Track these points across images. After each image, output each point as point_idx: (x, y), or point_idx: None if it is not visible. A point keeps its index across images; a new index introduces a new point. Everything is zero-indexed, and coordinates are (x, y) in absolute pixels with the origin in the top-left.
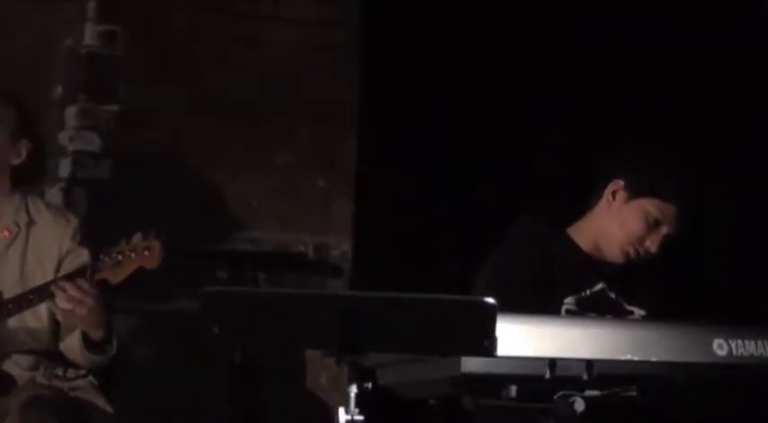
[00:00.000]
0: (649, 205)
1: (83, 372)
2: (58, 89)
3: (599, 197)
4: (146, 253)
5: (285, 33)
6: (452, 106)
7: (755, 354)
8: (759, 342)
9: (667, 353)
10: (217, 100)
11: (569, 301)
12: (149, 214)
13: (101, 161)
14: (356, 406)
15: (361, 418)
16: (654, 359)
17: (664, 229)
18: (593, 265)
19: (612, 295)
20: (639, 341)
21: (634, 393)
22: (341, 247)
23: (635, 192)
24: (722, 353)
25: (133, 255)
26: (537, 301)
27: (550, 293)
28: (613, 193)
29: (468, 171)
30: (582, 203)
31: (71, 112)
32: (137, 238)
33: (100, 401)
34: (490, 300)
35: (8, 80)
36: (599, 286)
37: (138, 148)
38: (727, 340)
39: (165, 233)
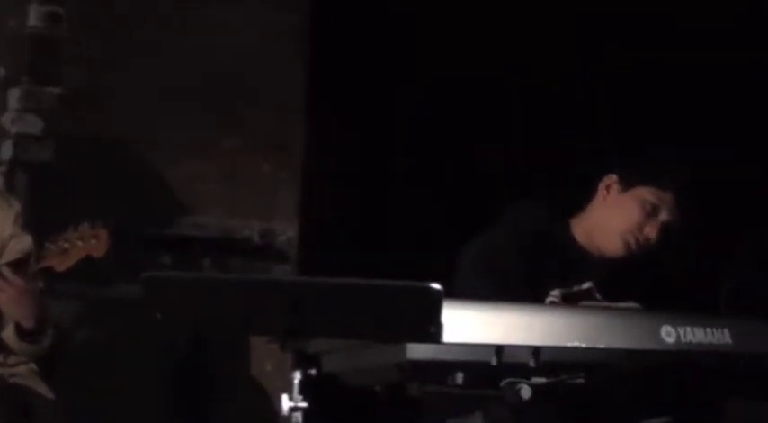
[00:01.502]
0: (646, 193)
1: (24, 358)
2: (1, 71)
3: (593, 194)
4: (93, 241)
5: (233, 16)
6: (404, 91)
7: (704, 341)
8: (707, 329)
9: (615, 340)
10: (162, 83)
11: (555, 294)
12: (92, 198)
13: (44, 144)
14: (300, 393)
15: (304, 404)
16: (602, 346)
17: (663, 216)
18: (585, 262)
19: (599, 297)
20: (587, 328)
21: (581, 380)
22: (287, 233)
23: (629, 183)
24: (670, 340)
25: (80, 243)
26: (528, 288)
27: (540, 282)
28: (607, 188)
29: (418, 157)
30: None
31: (14, 95)
32: (84, 226)
33: (41, 388)
34: (435, 285)
35: None
36: (587, 285)
37: (82, 132)
38: (675, 327)
39: (108, 218)
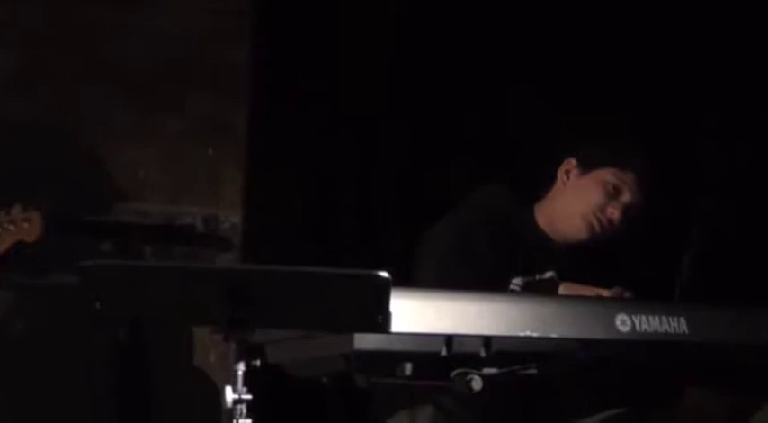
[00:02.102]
0: (606, 175)
1: None
2: None
3: (554, 180)
4: (25, 225)
5: None
6: (350, 72)
7: (659, 329)
8: (663, 317)
9: (568, 329)
10: (102, 66)
11: (517, 282)
12: (30, 183)
13: None
14: (244, 384)
15: (248, 396)
16: (554, 335)
17: (625, 197)
18: (548, 250)
19: (561, 286)
20: (540, 317)
21: (534, 371)
22: (231, 220)
23: (588, 166)
24: (625, 329)
25: (12, 227)
26: (494, 273)
27: (503, 269)
28: (567, 173)
29: (365, 139)
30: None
31: None
32: (16, 209)
33: None
34: (383, 273)
35: None
36: (549, 274)
37: (20, 116)
38: (630, 316)
39: (46, 204)
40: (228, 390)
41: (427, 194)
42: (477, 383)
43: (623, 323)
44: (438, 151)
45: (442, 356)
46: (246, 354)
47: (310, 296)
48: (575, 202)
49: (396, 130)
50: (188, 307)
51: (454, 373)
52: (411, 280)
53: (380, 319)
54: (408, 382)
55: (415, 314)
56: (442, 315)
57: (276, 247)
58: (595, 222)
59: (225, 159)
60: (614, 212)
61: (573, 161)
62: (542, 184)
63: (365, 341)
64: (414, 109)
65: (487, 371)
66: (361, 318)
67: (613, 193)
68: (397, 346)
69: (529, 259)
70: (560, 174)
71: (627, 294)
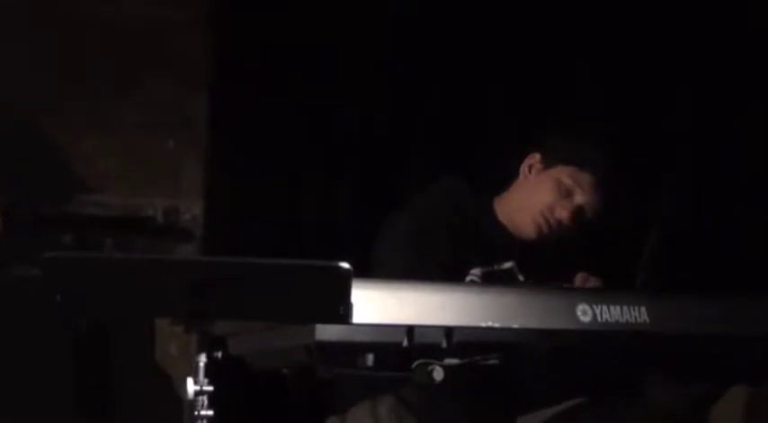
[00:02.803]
0: (562, 173)
1: None
2: None
3: (517, 174)
4: None
5: None
6: (313, 64)
7: (621, 319)
8: (625, 307)
9: (529, 319)
10: (60, 54)
11: (475, 273)
12: None
13: None
14: (206, 376)
15: (210, 388)
16: (515, 326)
17: (578, 199)
18: (507, 242)
19: (521, 277)
20: (501, 307)
21: (495, 361)
22: (192, 211)
23: (549, 162)
24: (586, 319)
25: None
26: (453, 263)
27: (462, 260)
28: (530, 167)
29: (328, 131)
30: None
31: None
32: None
33: None
34: (344, 264)
35: None
36: (508, 264)
37: None
38: (591, 305)
39: (3, 197)
40: (190, 381)
41: (389, 184)
42: (438, 374)
43: (584, 313)
44: (398, 141)
45: (404, 347)
46: (208, 345)
47: (272, 288)
48: (528, 199)
49: (358, 119)
50: (149, 299)
51: (415, 363)
52: (372, 270)
53: (342, 311)
54: (370, 374)
55: (377, 305)
56: (403, 306)
57: (237, 239)
58: (543, 222)
59: (185, 150)
60: (563, 214)
61: (537, 156)
62: (507, 176)
63: (327, 332)
64: (376, 98)
65: (449, 361)
66: (323, 309)
67: (565, 194)
68: (359, 338)
69: (488, 250)
70: (523, 168)
71: (593, 280)
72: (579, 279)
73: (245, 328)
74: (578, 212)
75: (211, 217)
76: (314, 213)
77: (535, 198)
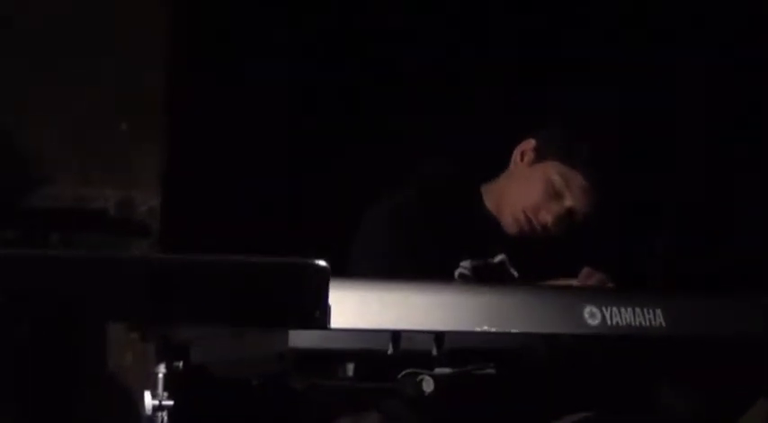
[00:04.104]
0: (553, 170)
1: None
2: None
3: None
4: None
5: None
6: (281, 42)
7: (634, 323)
8: (638, 309)
9: (530, 323)
10: (3, 34)
11: (465, 265)
12: None
13: None
14: (165, 389)
15: (170, 402)
16: (514, 330)
17: (567, 202)
18: (497, 232)
19: (514, 271)
20: (498, 310)
21: (492, 371)
22: (148, 203)
23: (542, 153)
24: (594, 322)
25: None
26: (439, 257)
27: (450, 252)
28: (522, 155)
29: (301, 114)
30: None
31: None
32: None
33: None
34: (321, 262)
35: None
36: (500, 258)
37: None
38: (599, 307)
39: None
40: (148, 394)
41: (363, 176)
42: (428, 385)
43: (592, 316)
44: (374, 128)
45: (389, 355)
46: (167, 354)
47: (239, 289)
48: (514, 192)
49: (329, 100)
50: (101, 301)
51: (402, 373)
52: (348, 269)
53: (318, 314)
54: (350, 385)
55: (358, 308)
56: (388, 308)
57: (199, 234)
58: (524, 222)
59: (141, 134)
60: (548, 218)
61: (532, 142)
62: (498, 159)
63: (301, 339)
64: (348, 75)
65: (440, 371)
66: (297, 312)
67: (554, 196)
68: (338, 344)
69: (477, 241)
70: (515, 154)
71: (599, 277)
72: (583, 275)
73: (209, 334)
74: (566, 215)
75: (170, 209)
76: (285, 205)
77: (521, 193)
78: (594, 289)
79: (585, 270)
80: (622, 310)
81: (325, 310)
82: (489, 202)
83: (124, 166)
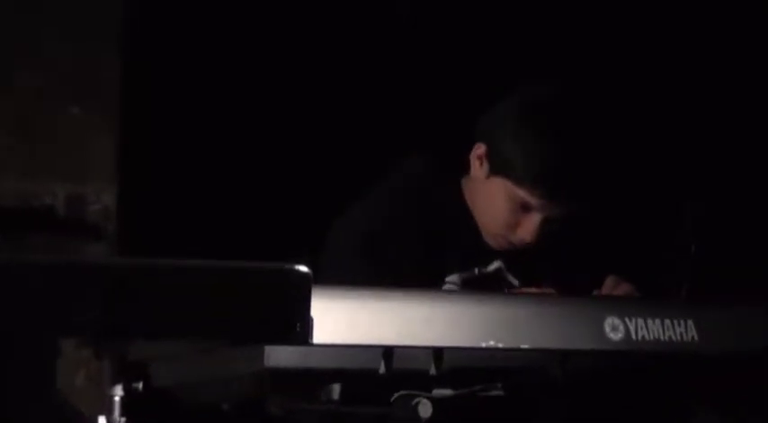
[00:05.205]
0: (509, 185)
1: None
2: None
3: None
4: None
5: None
6: (248, 23)
7: (662, 337)
8: (667, 321)
9: (542, 338)
10: None
11: (452, 280)
12: None
13: None
14: (122, 414)
15: None
16: (525, 346)
17: (538, 214)
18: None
19: (512, 279)
20: (505, 323)
21: (499, 392)
22: (102, 200)
23: (494, 166)
24: (617, 336)
25: None
26: (422, 270)
27: (432, 265)
28: (479, 160)
29: (271, 99)
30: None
31: None
32: None
33: None
34: (303, 268)
35: None
36: (495, 265)
37: None
38: (623, 319)
39: None
40: (102, 420)
41: (346, 169)
42: (425, 409)
43: (614, 329)
44: (349, 123)
45: (380, 375)
46: (125, 374)
47: (207, 298)
48: (482, 213)
49: (297, 87)
50: (48, 313)
51: (396, 396)
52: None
53: (299, 328)
54: (336, 409)
55: (345, 320)
56: (379, 321)
57: (160, 236)
58: (504, 243)
59: (94, 123)
60: (525, 235)
61: (483, 148)
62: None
63: (280, 356)
64: (317, 64)
65: (439, 393)
66: (275, 325)
67: (520, 210)
68: (322, 363)
69: (466, 248)
70: (473, 158)
71: (624, 287)
72: (608, 285)
73: (172, 351)
74: (544, 224)
75: (126, 207)
76: (257, 203)
77: (489, 215)
78: (616, 298)
79: (610, 278)
80: (649, 321)
81: (307, 323)
82: (469, 200)
83: (74, 157)
